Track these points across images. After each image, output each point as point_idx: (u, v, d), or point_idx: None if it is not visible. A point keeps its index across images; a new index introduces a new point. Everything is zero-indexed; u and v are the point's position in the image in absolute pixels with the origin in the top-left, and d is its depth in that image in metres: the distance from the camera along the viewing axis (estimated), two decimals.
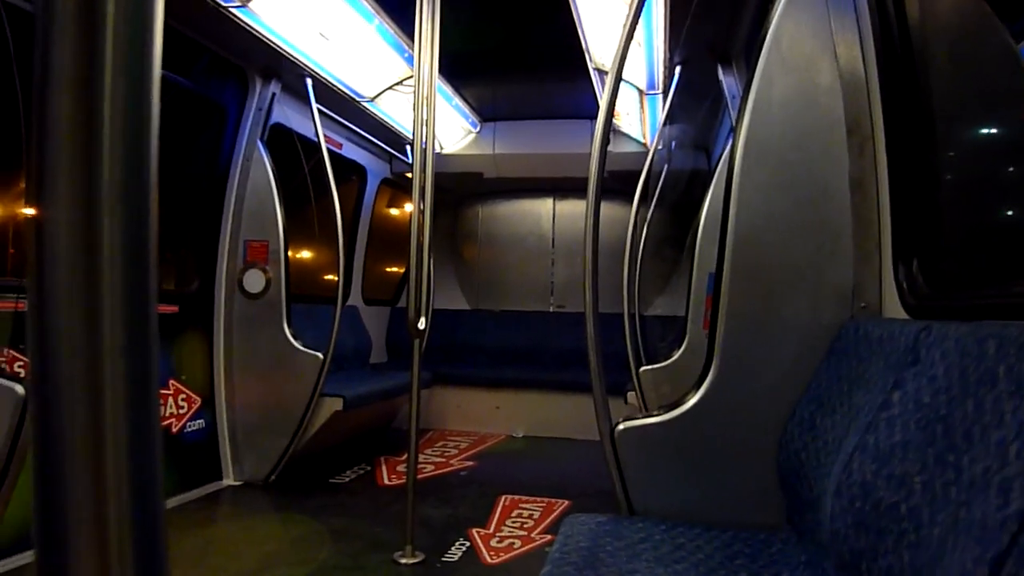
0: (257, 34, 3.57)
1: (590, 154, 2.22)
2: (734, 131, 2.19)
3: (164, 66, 0.52)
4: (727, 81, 3.74)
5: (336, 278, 4.26)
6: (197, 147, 4.28)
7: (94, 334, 0.50)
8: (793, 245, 2.08)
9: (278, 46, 3.72)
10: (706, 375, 2.15)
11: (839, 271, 2.05)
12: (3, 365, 2.69)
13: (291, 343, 4.14)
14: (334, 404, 4.19)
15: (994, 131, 1.89)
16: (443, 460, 5.08)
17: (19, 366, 2.80)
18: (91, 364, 0.50)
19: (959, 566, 0.94)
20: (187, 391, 3.97)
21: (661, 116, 4.38)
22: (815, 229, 2.07)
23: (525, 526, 3.57)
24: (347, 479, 4.44)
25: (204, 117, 4.24)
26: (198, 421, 4.04)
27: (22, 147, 2.96)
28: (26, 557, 2.81)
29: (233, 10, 3.32)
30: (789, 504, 1.96)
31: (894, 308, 1.91)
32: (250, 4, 3.31)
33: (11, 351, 2.82)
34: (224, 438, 4.21)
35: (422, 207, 3.02)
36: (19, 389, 2.27)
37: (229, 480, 4.19)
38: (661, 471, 2.23)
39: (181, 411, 3.92)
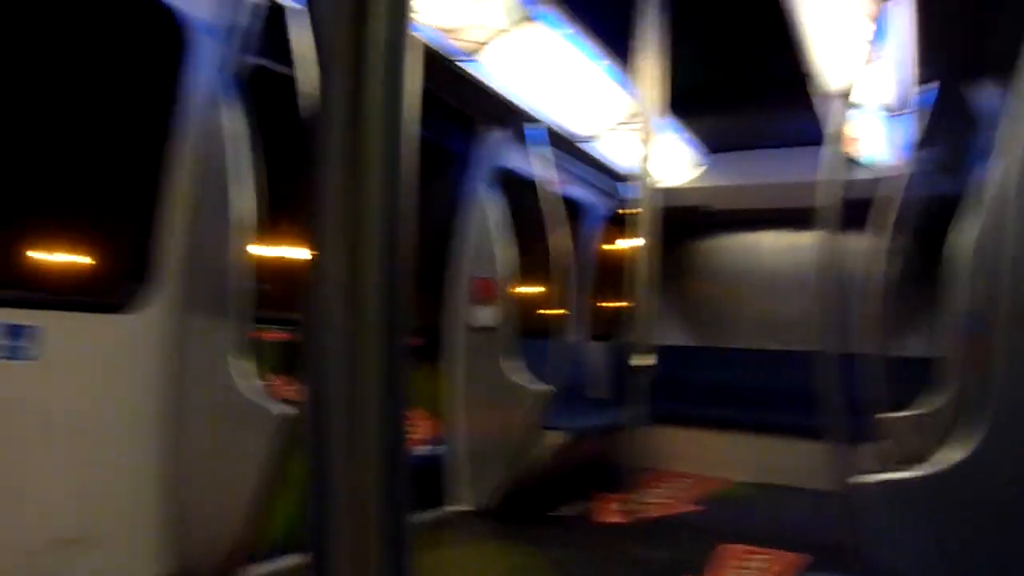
0: (485, 85, 3.80)
1: (822, 183, 2.10)
2: (997, 149, 1.95)
3: None
4: (983, 95, 3.34)
5: (559, 314, 4.36)
6: (433, 192, 4.62)
7: (356, 364, 0.56)
8: None
9: (504, 95, 3.93)
10: (972, 427, 1.90)
11: None
12: (271, 389, 3.02)
13: (515, 376, 4.28)
14: (555, 437, 4.26)
15: None
16: (662, 501, 4.95)
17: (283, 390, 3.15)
18: (354, 389, 0.56)
19: None
20: (422, 419, 4.24)
21: (903, 138, 4.01)
22: None
23: None
24: (566, 512, 4.47)
25: (439, 164, 4.57)
26: (430, 447, 4.29)
27: (278, 205, 3.35)
28: (283, 561, 3.14)
29: (463, 64, 3.57)
30: None
31: None
32: (479, 57, 3.54)
33: (275, 376, 3.16)
34: (452, 464, 4.43)
35: (645, 242, 3.01)
36: (278, 410, 2.57)
37: (455, 505, 4.39)
38: (909, 532, 2.00)
39: (416, 436, 4.19)
